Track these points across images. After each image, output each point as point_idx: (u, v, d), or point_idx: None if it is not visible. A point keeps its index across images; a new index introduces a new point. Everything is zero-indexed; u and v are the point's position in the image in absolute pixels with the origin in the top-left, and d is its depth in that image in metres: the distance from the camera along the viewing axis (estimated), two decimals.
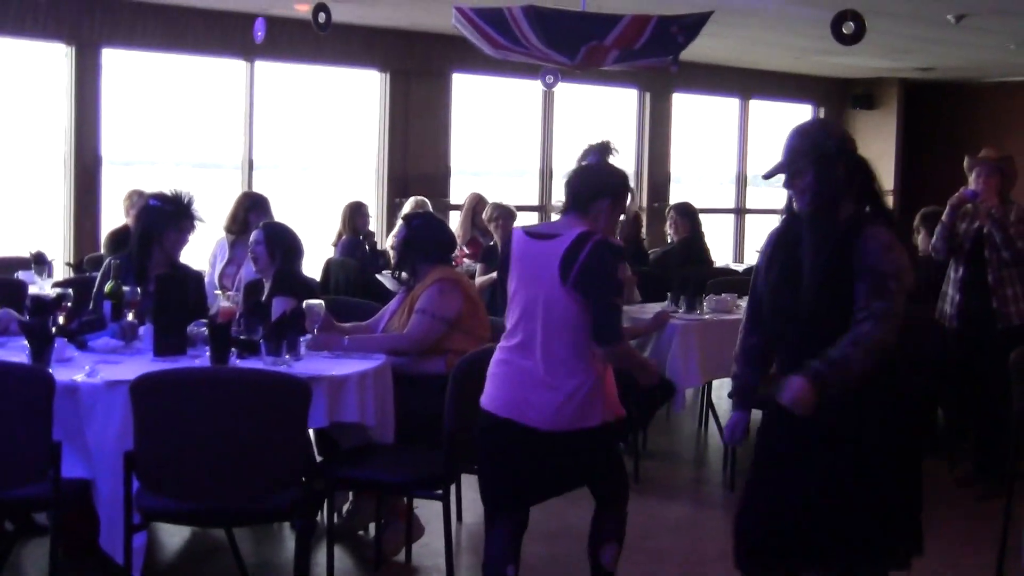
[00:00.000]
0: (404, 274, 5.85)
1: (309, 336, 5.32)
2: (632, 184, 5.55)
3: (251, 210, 7.47)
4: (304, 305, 5.38)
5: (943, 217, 6.82)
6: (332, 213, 10.17)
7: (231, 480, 4.22)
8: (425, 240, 5.69)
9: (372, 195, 12.28)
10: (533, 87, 13.16)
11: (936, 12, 10.22)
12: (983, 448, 6.98)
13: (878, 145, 16.48)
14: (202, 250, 7.40)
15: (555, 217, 4.48)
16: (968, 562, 5.75)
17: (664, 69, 6.36)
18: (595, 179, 4.37)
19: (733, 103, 15.65)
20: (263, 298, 5.86)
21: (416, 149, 12.55)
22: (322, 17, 8.98)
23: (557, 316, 4.20)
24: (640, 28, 5.94)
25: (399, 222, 10.25)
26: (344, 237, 9.76)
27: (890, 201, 15.05)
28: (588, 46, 5.94)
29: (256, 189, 10.66)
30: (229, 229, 7.58)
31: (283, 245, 5.97)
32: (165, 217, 5.99)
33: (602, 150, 4.45)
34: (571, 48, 5.99)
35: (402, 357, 5.44)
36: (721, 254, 12.56)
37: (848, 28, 8.38)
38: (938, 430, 7.91)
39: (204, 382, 4.38)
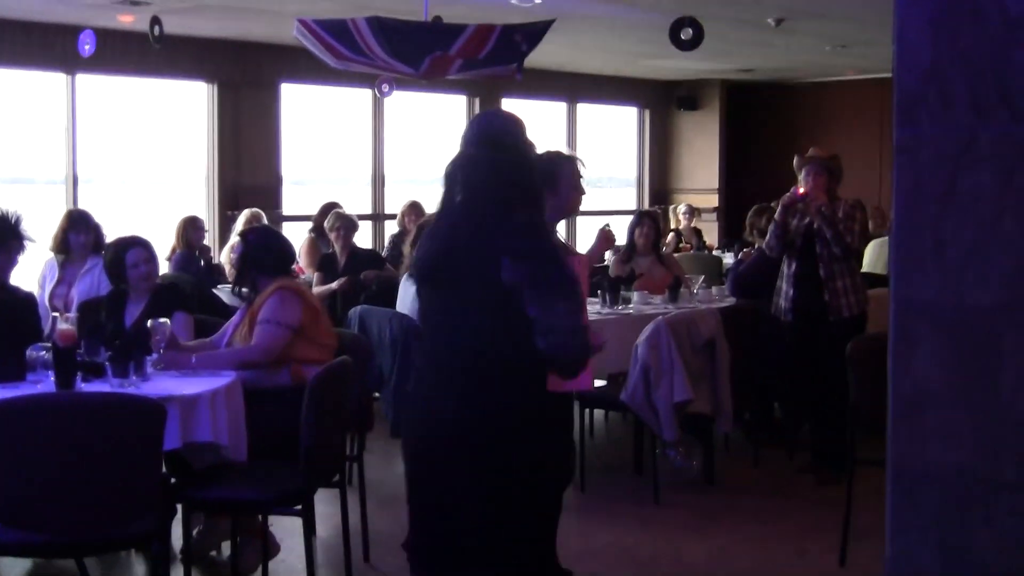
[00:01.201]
0: (244, 290, 5.77)
1: (155, 355, 5.22)
2: None
3: (70, 229, 7.29)
4: (149, 323, 5.29)
5: (776, 215, 7.06)
6: (164, 227, 9.97)
7: (85, 509, 4.12)
8: (263, 254, 5.65)
9: (203, 208, 12.11)
10: (363, 95, 13.18)
11: (757, 16, 10.56)
12: (820, 436, 7.23)
13: (703, 144, 16.97)
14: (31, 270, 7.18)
15: None
16: (814, 547, 5.97)
17: (508, 77, 6.43)
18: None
19: (561, 107, 15.86)
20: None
21: (247, 160, 12.42)
22: (157, 30, 8.79)
23: None
24: (484, 37, 6.01)
25: (235, 237, 10.18)
26: (178, 252, 9.60)
27: (716, 198, 15.62)
28: (432, 56, 5.99)
29: (82, 205, 10.40)
30: (55, 249, 7.38)
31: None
32: None
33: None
34: (415, 58, 6.03)
35: (251, 370, 5.37)
36: None
37: (686, 34, 8.66)
38: (776, 420, 8.19)
39: (52, 409, 4.24)
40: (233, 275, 9.51)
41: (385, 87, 9.96)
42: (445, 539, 3.69)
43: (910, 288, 2.70)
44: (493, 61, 6.15)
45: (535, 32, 6.26)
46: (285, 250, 5.81)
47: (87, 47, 9.30)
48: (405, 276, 7.25)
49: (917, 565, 2.73)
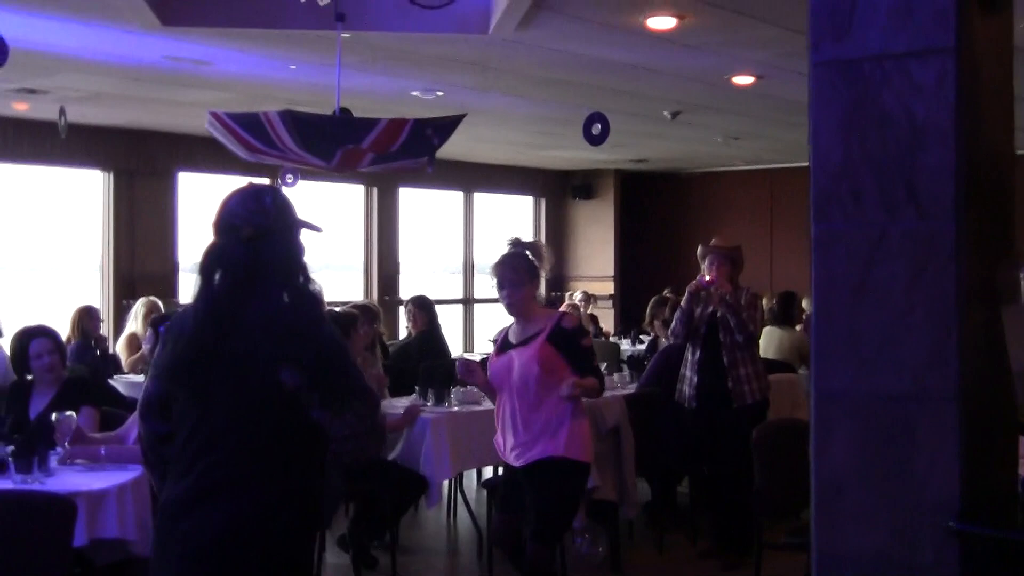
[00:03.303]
0: None
1: (59, 450, 5.14)
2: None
3: None
4: (53, 416, 5.21)
5: (682, 303, 7.20)
6: (57, 316, 9.81)
7: None
8: None
9: (98, 296, 11.97)
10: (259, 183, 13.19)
11: (653, 109, 10.84)
12: (723, 521, 7.31)
13: (598, 233, 17.20)
14: None
15: None
16: None
17: (420, 170, 6.52)
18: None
19: (458, 196, 16.01)
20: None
21: (142, 249, 12.33)
22: (63, 120, 8.73)
23: None
24: (396, 131, 6.10)
25: (132, 326, 10.06)
26: (74, 341, 9.44)
27: (611, 286, 15.76)
28: (344, 149, 6.04)
29: None
30: None
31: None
32: None
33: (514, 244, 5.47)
34: (327, 152, 6.08)
35: None
36: (452, 345, 12.82)
37: (596, 129, 8.88)
38: (679, 506, 8.28)
39: None
40: (135, 364, 9.46)
41: (289, 177, 10.01)
42: None
43: (828, 376, 2.81)
44: (405, 154, 6.24)
45: (446, 125, 6.38)
46: None
47: None
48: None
49: None
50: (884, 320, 2.73)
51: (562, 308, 10.88)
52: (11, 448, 4.85)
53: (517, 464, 5.40)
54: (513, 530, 5.56)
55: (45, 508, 4.15)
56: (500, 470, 7.38)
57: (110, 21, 7.11)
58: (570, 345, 5.38)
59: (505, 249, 5.56)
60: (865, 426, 2.74)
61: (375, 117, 6.15)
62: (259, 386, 3.24)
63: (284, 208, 3.39)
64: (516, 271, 5.43)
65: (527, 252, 5.55)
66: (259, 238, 3.28)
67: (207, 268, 3.31)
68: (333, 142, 6.03)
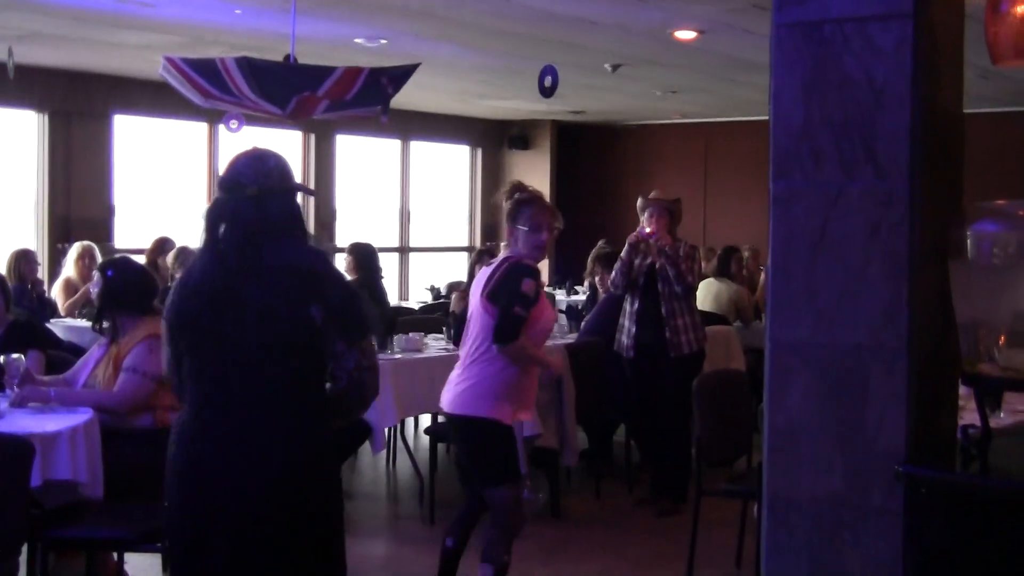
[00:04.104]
0: (105, 325, 5.68)
1: (8, 392, 5.16)
2: None
3: None
4: (1, 359, 5.23)
5: (622, 254, 7.32)
6: None
7: None
8: (124, 291, 5.57)
9: (33, 240, 11.85)
10: (198, 128, 13.16)
11: (595, 61, 10.90)
12: (659, 469, 7.48)
13: (534, 183, 16.95)
14: None
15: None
16: (660, 574, 6.18)
17: (374, 118, 6.56)
18: (509, 211, 5.22)
19: (395, 144, 16.00)
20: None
21: (77, 192, 12.21)
22: (11, 62, 8.63)
23: (476, 325, 5.12)
24: (351, 79, 6.13)
25: (68, 271, 10.01)
26: (12, 284, 9.36)
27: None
28: (300, 97, 6.06)
29: None
30: None
31: None
32: None
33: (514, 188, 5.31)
34: (283, 98, 6.09)
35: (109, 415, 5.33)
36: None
37: (548, 82, 8.99)
38: (614, 454, 8.45)
39: None
40: (71, 308, 9.43)
41: (233, 123, 9.92)
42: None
43: (784, 328, 2.93)
44: (359, 103, 6.27)
45: (400, 75, 6.42)
46: (147, 285, 5.73)
47: None
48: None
49: None
50: (841, 275, 2.86)
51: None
52: None
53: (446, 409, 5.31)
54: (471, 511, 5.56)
55: (2, 448, 4.17)
56: (440, 418, 7.49)
57: None
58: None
59: (505, 195, 5.32)
60: (821, 376, 2.87)
61: (329, 66, 6.17)
62: (288, 322, 3.42)
63: (284, 171, 3.63)
64: (559, 220, 5.28)
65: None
66: (263, 196, 3.50)
67: (213, 221, 3.52)
68: (288, 89, 6.05)
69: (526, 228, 5.12)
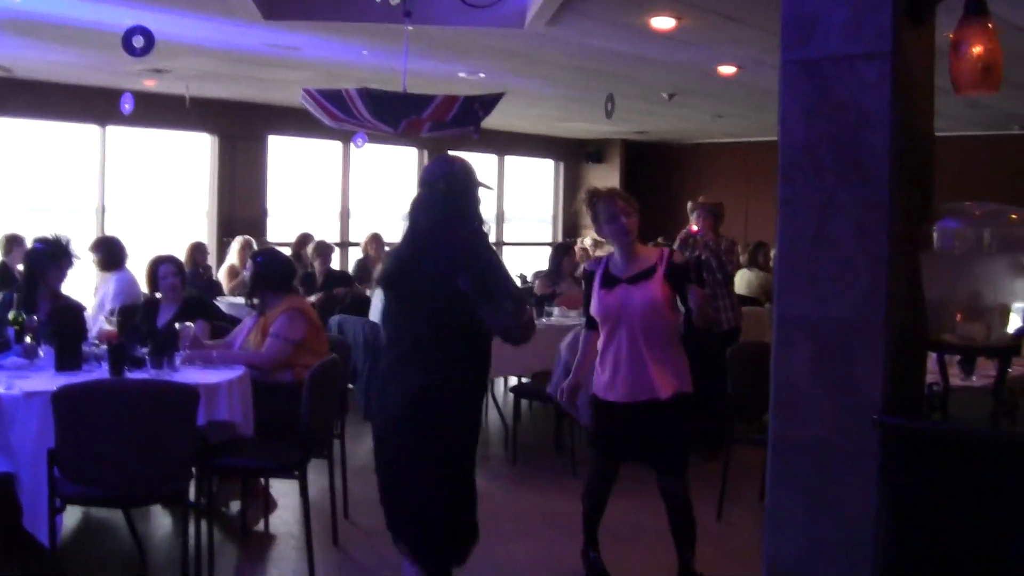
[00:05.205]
0: (256, 301, 5.85)
1: (182, 352, 5.35)
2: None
3: None
4: (177, 326, 5.41)
5: (674, 246, 7.31)
6: (175, 251, 10.00)
7: (137, 470, 4.23)
8: (270, 273, 5.71)
9: (205, 235, 12.16)
10: (334, 146, 13.41)
11: (654, 92, 10.89)
12: (701, 423, 7.46)
13: None
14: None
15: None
16: (697, 506, 6.18)
17: (467, 136, 6.67)
18: (590, 212, 4.71)
19: (492, 159, 16.10)
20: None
21: (240, 197, 12.52)
22: (187, 97, 8.87)
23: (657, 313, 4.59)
24: (450, 105, 6.24)
25: (231, 259, 10.27)
26: (187, 270, 9.63)
27: None
28: (408, 119, 6.20)
29: (110, 232, 10.43)
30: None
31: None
32: (47, 257, 5.91)
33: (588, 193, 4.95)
34: (394, 120, 6.22)
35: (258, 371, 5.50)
36: None
37: (608, 107, 9.03)
38: None
39: (108, 391, 4.36)
40: (233, 289, 9.68)
41: (359, 140, 10.14)
42: (401, 489, 3.85)
43: (789, 305, 2.98)
44: (456, 124, 6.38)
45: (490, 101, 6.52)
46: (288, 270, 5.90)
47: (127, 107, 9.32)
48: (377, 289, 7.43)
49: (790, 513, 3.00)
50: (833, 264, 2.89)
51: (577, 249, 11.05)
52: (147, 349, 5.05)
53: (638, 399, 4.57)
54: (609, 480, 4.85)
55: (175, 394, 4.33)
56: (523, 380, 7.56)
57: (223, 15, 7.23)
58: (683, 279, 4.66)
59: (584, 201, 4.82)
60: (816, 343, 2.91)
61: (432, 94, 6.28)
62: (444, 291, 3.71)
63: (467, 172, 3.90)
64: (631, 202, 4.68)
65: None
66: (449, 192, 3.79)
67: (413, 210, 3.85)
68: (399, 113, 6.17)
69: (605, 219, 4.63)
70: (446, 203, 3.78)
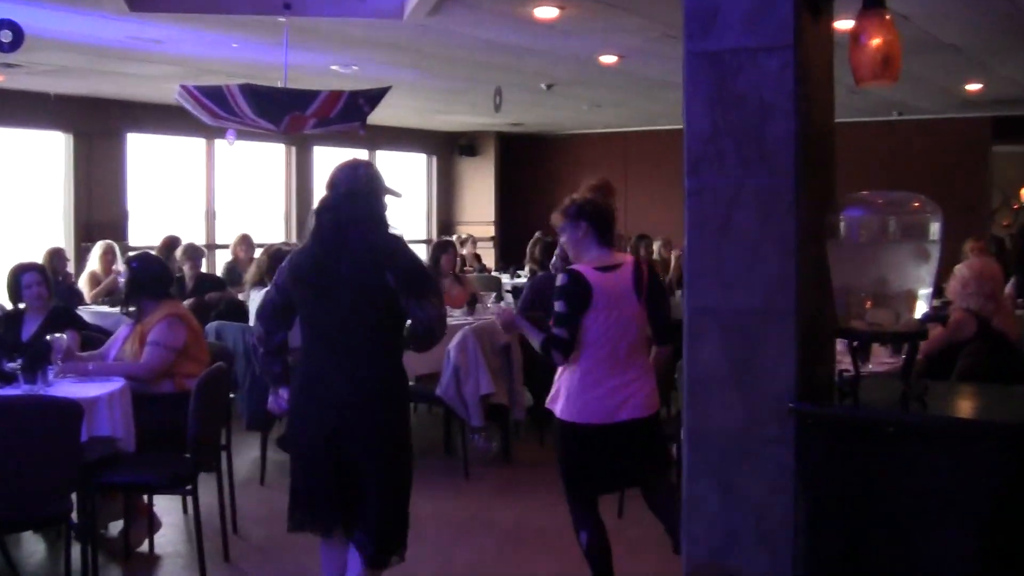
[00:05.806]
0: (131, 308, 5.73)
1: (56, 365, 5.20)
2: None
3: None
4: (48, 338, 5.26)
5: (560, 243, 7.40)
6: (29, 257, 9.65)
7: (17, 491, 4.13)
8: (146, 278, 5.60)
9: (61, 240, 11.78)
10: (197, 143, 13.17)
11: (532, 82, 11.00)
12: None
13: (481, 186, 17.36)
14: None
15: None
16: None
17: (353, 132, 6.66)
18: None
19: (363, 154, 15.98)
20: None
21: (98, 199, 12.18)
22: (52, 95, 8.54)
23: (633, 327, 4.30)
24: (334, 101, 6.22)
25: (93, 265, 9.97)
26: None
27: (492, 229, 15.88)
28: (291, 115, 6.15)
29: None
30: None
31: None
32: None
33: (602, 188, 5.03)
34: (277, 117, 6.17)
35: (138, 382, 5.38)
36: None
37: (496, 101, 9.08)
38: None
39: None
40: (95, 297, 9.41)
41: (231, 137, 9.96)
42: (364, 478, 3.92)
43: (698, 296, 3.08)
44: (341, 120, 6.37)
45: (375, 96, 6.52)
46: (165, 274, 5.79)
47: None
48: (254, 288, 7.36)
49: (705, 502, 3.11)
50: (742, 253, 3.00)
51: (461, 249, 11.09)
52: (19, 363, 4.90)
53: (631, 415, 4.32)
54: (601, 524, 4.50)
55: (58, 410, 4.24)
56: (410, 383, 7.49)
57: (88, 7, 7.02)
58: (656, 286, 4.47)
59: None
60: (727, 334, 3.02)
61: (315, 89, 6.25)
62: (372, 286, 3.82)
63: (372, 177, 4.00)
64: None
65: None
66: (351, 194, 3.89)
67: (319, 211, 3.94)
68: (282, 109, 6.13)
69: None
70: (353, 204, 3.89)
